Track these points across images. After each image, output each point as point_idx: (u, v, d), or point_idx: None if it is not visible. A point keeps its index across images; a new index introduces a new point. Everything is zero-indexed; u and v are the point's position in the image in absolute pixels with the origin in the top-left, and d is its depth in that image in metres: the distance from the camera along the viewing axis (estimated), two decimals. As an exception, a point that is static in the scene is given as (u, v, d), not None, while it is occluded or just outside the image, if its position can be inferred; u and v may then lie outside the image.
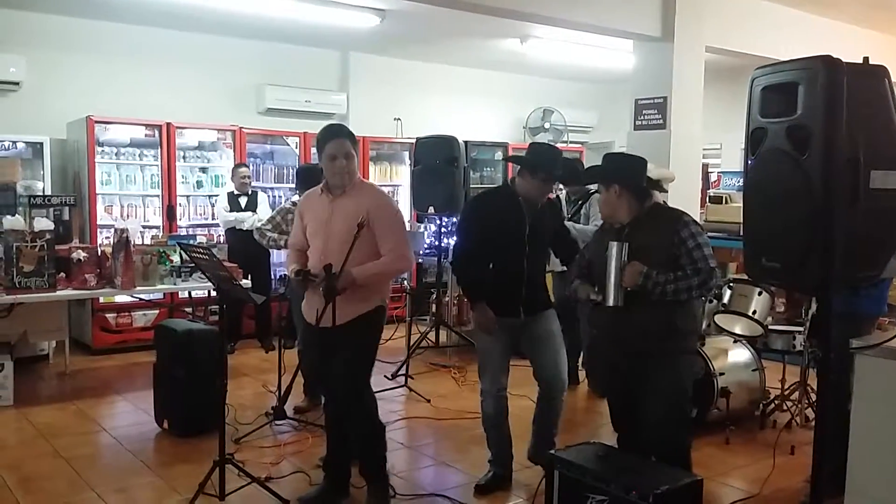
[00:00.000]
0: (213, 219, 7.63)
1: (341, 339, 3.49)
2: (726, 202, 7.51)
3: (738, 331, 5.15)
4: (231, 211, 7.12)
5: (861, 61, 2.48)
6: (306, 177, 5.34)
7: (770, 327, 5.10)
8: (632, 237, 3.28)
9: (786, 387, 5.15)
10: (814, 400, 4.65)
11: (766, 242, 2.70)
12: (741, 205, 2.90)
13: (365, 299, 3.56)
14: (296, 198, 5.89)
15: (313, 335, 3.70)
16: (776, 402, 5.17)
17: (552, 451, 3.27)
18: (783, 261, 2.63)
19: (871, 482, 2.60)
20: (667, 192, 3.61)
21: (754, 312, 4.91)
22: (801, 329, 5.00)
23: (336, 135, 3.60)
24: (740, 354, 5.07)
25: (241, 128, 7.80)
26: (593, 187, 6.12)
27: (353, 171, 3.60)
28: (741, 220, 2.90)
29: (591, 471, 2.98)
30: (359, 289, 3.47)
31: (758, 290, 4.88)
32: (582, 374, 6.01)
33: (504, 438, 4.12)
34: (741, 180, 2.89)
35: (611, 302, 3.23)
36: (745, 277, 4.50)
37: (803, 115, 2.48)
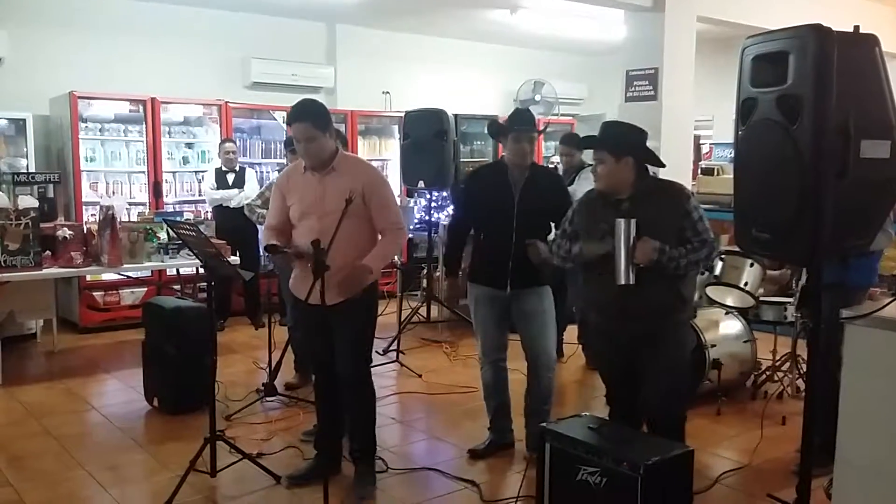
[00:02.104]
0: (199, 195, 7.57)
1: (340, 318, 3.45)
2: (718, 174, 7.50)
3: (729, 302, 5.16)
4: (218, 188, 7.06)
5: (851, 30, 2.45)
6: (289, 142, 5.34)
7: (761, 298, 5.11)
8: (635, 212, 3.20)
9: (777, 358, 5.17)
10: (804, 370, 4.68)
11: (756, 213, 2.69)
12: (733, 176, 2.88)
13: None
14: (275, 175, 5.84)
15: (303, 312, 3.66)
16: (767, 373, 5.20)
17: (543, 424, 3.27)
18: (773, 231, 2.61)
19: (861, 452, 2.60)
20: (664, 166, 3.51)
21: (746, 284, 4.92)
22: (791, 300, 5.01)
23: (295, 119, 3.49)
24: (732, 326, 5.08)
25: (226, 102, 7.71)
26: (588, 161, 6.08)
27: (319, 152, 3.50)
28: (733, 192, 2.88)
29: (582, 443, 2.97)
30: (349, 266, 3.42)
31: (749, 261, 4.89)
32: (573, 347, 6.02)
33: (501, 407, 4.18)
34: (733, 152, 2.86)
35: (622, 280, 3.16)
36: (737, 249, 4.50)
37: (794, 85, 2.45)
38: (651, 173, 3.43)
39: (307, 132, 3.45)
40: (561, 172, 6.12)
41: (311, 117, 3.47)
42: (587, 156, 6.01)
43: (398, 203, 3.71)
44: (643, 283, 3.16)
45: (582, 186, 5.40)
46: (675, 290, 3.26)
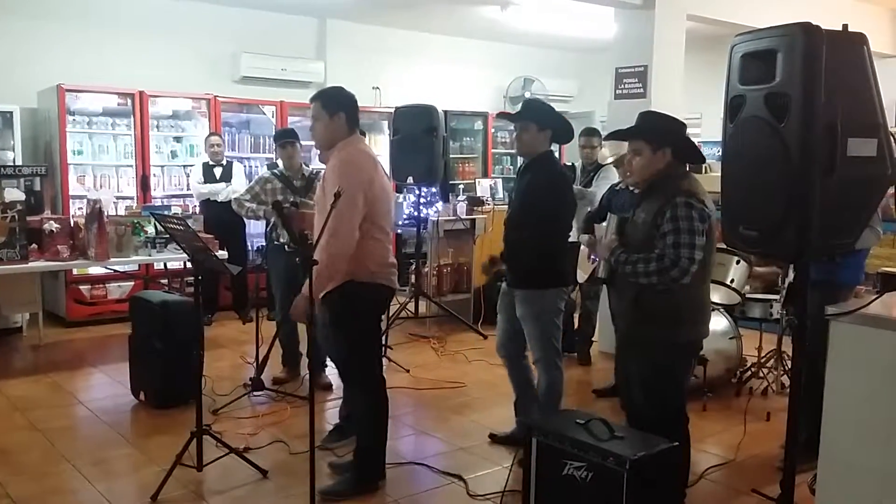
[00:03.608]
0: (188, 189, 7.53)
1: (322, 315, 3.43)
2: (706, 171, 7.52)
3: (715, 299, 5.16)
4: (205, 182, 7.03)
5: (840, 29, 2.46)
6: (278, 136, 5.50)
7: (747, 296, 5.14)
8: (637, 206, 3.20)
9: (762, 354, 5.21)
10: (789, 367, 4.71)
11: (744, 210, 2.70)
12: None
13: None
14: (264, 170, 5.84)
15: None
16: (752, 369, 5.24)
17: (529, 419, 3.28)
18: (760, 228, 2.62)
19: (845, 448, 2.62)
20: (704, 160, 3.41)
21: (732, 281, 4.94)
22: (777, 297, 5.04)
23: (312, 98, 3.54)
24: (718, 323, 5.10)
25: (215, 96, 7.68)
26: (610, 158, 6.05)
27: (318, 134, 3.50)
28: (720, 190, 2.88)
29: (568, 438, 2.98)
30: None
31: (735, 258, 4.91)
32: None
33: (517, 400, 4.18)
34: (721, 149, 2.87)
35: (599, 273, 3.22)
36: (723, 246, 4.52)
37: (782, 83, 2.46)
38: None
39: (313, 110, 3.49)
40: (579, 168, 6.09)
41: (321, 98, 3.50)
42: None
43: (356, 202, 3.31)
44: (617, 283, 3.20)
45: (601, 187, 5.36)
46: (634, 301, 3.13)
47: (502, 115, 4.42)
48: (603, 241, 3.19)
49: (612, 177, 5.60)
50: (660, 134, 3.16)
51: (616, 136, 3.47)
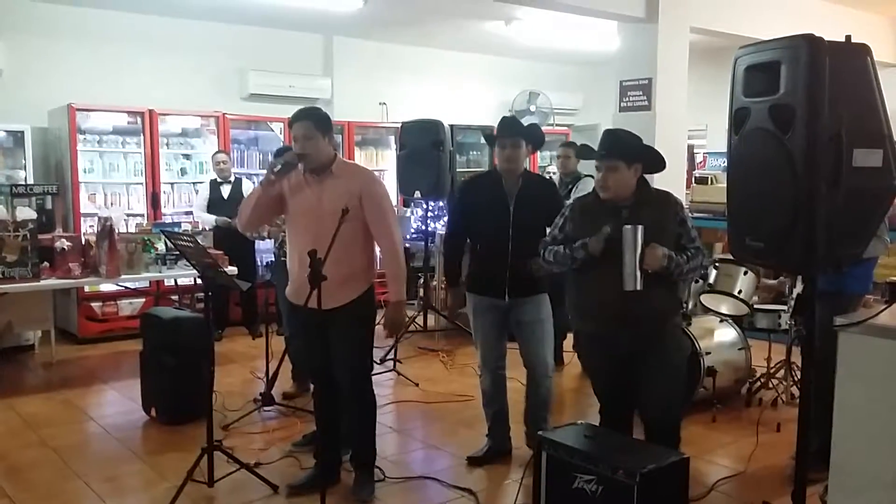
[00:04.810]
0: (198, 206, 7.58)
1: (338, 326, 3.51)
2: (712, 183, 7.55)
3: (723, 310, 5.18)
4: (211, 198, 7.07)
5: (843, 40, 2.48)
6: (278, 154, 5.46)
7: (755, 306, 5.14)
8: (636, 219, 3.21)
9: (771, 365, 5.19)
10: (799, 377, 4.70)
11: (750, 222, 2.71)
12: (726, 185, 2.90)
13: (357, 280, 3.58)
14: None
15: (302, 317, 3.62)
16: (762, 380, 5.22)
17: (539, 432, 3.28)
18: (767, 240, 2.63)
19: (856, 459, 2.61)
20: (665, 168, 3.51)
21: (740, 292, 4.94)
22: (786, 308, 5.04)
23: (296, 118, 3.58)
24: (726, 334, 5.10)
25: (224, 114, 7.74)
26: (584, 171, 6.11)
27: (313, 152, 3.53)
28: (726, 201, 2.90)
29: (578, 451, 2.99)
30: (347, 272, 3.49)
31: (743, 269, 4.91)
32: (570, 355, 6.02)
33: (500, 413, 4.22)
34: (727, 161, 2.89)
35: (630, 286, 3.15)
36: (731, 257, 4.53)
37: (786, 94, 2.47)
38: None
39: (306, 129, 3.52)
40: (557, 178, 6.18)
41: (312, 118, 3.57)
42: (582, 167, 6.05)
43: (395, 212, 3.74)
44: (646, 289, 3.18)
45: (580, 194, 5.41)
46: (676, 296, 3.41)
47: (486, 131, 4.48)
48: (651, 251, 3.14)
49: (591, 189, 5.66)
50: (632, 151, 3.34)
51: (592, 156, 3.48)
